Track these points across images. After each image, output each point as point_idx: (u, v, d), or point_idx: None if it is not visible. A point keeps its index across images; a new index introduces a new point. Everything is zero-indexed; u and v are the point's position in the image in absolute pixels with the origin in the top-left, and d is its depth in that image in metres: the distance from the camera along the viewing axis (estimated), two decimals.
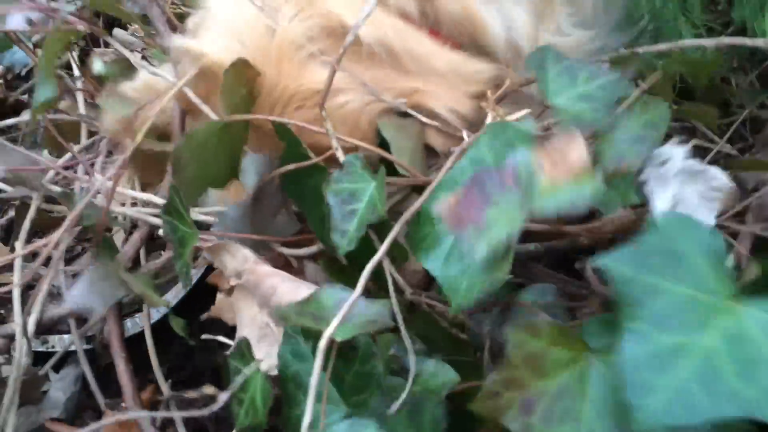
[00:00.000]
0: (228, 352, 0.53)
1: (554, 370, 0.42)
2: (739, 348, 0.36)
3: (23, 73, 1.23)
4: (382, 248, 0.50)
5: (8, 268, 0.93)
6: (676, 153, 0.48)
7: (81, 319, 0.86)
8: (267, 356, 0.52)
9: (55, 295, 0.85)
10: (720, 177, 0.47)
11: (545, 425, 0.41)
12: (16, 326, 0.69)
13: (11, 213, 1.05)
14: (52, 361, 0.84)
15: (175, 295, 0.87)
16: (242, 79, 0.55)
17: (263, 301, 0.57)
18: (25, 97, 1.13)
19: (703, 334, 0.37)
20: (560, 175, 0.42)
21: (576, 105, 0.52)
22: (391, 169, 0.56)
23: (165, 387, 0.72)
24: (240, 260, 0.57)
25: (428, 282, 0.59)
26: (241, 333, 0.57)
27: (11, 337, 0.69)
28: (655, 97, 0.51)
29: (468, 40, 0.62)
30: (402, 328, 0.50)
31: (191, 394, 0.60)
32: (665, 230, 0.40)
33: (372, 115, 0.59)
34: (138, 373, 0.70)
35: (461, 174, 0.50)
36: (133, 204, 0.74)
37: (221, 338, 0.63)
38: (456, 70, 0.60)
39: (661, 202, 0.47)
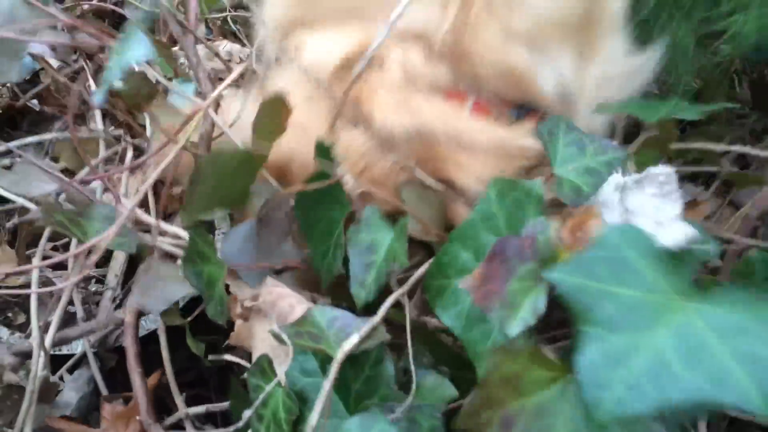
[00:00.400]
0: (246, 374, 0.56)
1: (532, 389, 0.44)
2: (685, 341, 0.40)
3: (29, 77, 1.25)
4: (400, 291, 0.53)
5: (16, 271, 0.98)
6: (609, 177, 0.51)
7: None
8: (281, 373, 0.55)
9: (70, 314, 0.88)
10: (659, 170, 0.49)
11: None
12: (33, 341, 0.72)
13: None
14: (69, 364, 0.88)
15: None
16: (276, 115, 0.56)
17: (281, 320, 0.59)
18: (35, 102, 1.14)
19: (653, 331, 0.41)
20: (580, 246, 0.45)
21: (579, 177, 0.54)
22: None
23: (180, 401, 0.75)
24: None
25: None
26: (256, 354, 0.60)
27: (27, 354, 0.73)
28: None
29: (515, 94, 0.62)
30: (409, 344, 0.53)
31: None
32: (610, 241, 0.44)
33: (397, 181, 0.59)
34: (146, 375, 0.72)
35: (471, 228, 0.52)
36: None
37: (232, 357, 0.66)
38: (501, 145, 0.60)
39: (611, 216, 0.49)
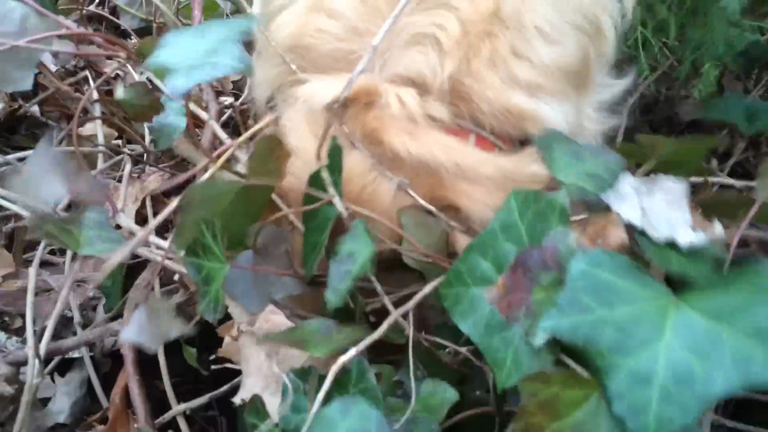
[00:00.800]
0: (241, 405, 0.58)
1: (568, 410, 0.45)
2: (693, 335, 0.43)
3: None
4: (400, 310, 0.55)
5: (13, 275, 0.98)
6: (623, 176, 0.53)
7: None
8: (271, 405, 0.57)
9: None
10: (671, 181, 0.51)
11: None
12: (29, 350, 0.73)
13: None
14: (53, 364, 0.88)
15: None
16: (272, 153, 0.58)
17: (273, 349, 0.61)
18: (35, 108, 1.14)
19: (661, 337, 0.43)
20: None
21: (581, 180, 0.55)
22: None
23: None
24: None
25: None
26: (246, 380, 0.61)
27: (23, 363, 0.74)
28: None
29: (516, 132, 0.64)
30: (411, 359, 0.54)
31: None
32: (583, 271, 0.46)
33: (395, 206, 0.60)
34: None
35: (491, 237, 0.53)
36: None
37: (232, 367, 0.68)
38: (508, 174, 0.61)
39: (630, 212, 0.50)
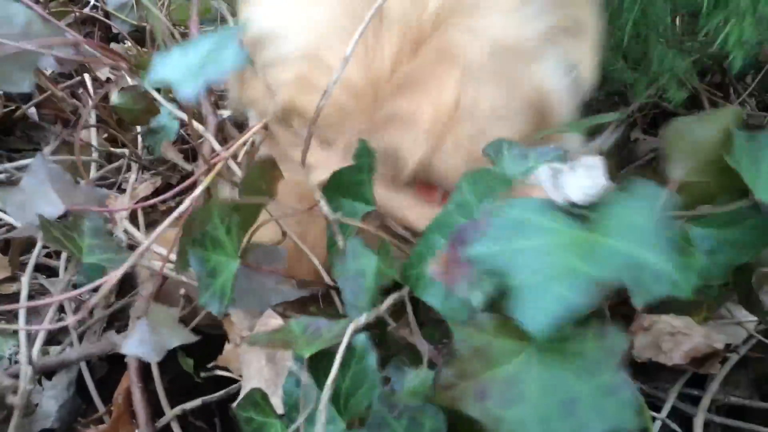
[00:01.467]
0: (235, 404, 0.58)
1: (502, 359, 0.48)
2: (587, 251, 0.48)
3: None
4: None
5: (9, 279, 0.99)
6: (542, 166, 0.55)
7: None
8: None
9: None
10: (593, 159, 0.54)
11: (500, 408, 0.46)
12: (21, 356, 0.74)
13: None
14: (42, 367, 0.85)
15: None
16: (264, 175, 0.62)
17: (272, 352, 0.62)
18: (32, 111, 1.14)
19: (563, 251, 0.48)
20: None
21: (526, 176, 0.61)
22: None
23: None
24: (256, 314, 0.63)
25: None
26: (247, 385, 0.62)
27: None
28: None
29: None
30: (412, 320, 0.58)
31: None
32: (510, 209, 0.51)
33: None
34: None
35: (447, 217, 0.58)
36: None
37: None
38: None
39: (573, 192, 0.53)
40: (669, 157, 0.61)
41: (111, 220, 0.75)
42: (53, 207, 0.69)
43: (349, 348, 0.54)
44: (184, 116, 0.81)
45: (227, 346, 0.73)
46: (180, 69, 0.55)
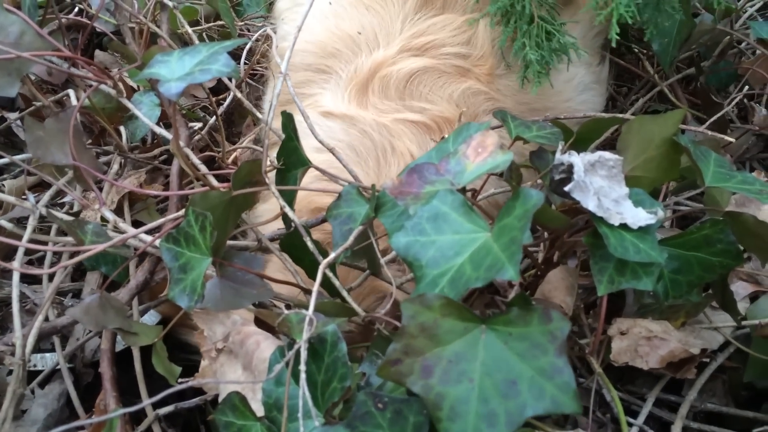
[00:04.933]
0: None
1: (448, 338, 0.52)
2: (483, 252, 0.56)
3: None
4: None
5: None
6: (575, 160, 0.63)
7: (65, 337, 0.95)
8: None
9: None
10: (609, 156, 0.63)
11: (443, 386, 0.51)
12: (16, 363, 0.76)
13: None
14: (39, 378, 0.92)
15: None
16: (252, 173, 0.70)
17: (247, 358, 0.67)
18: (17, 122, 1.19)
19: (460, 256, 0.57)
20: (482, 157, 0.62)
21: (533, 138, 0.75)
22: None
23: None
24: (229, 325, 0.68)
25: None
26: (225, 392, 0.66)
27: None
28: None
29: None
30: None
31: None
32: (431, 205, 0.60)
33: None
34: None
35: (428, 156, 0.72)
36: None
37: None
38: None
39: (591, 204, 0.61)
40: (622, 152, 0.69)
41: (85, 206, 0.80)
42: (64, 156, 0.76)
43: (321, 340, 0.59)
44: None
45: (203, 363, 0.77)
46: (173, 70, 0.65)
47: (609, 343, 0.78)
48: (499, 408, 0.49)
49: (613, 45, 0.94)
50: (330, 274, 0.67)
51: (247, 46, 1.16)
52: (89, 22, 1.06)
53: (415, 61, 0.96)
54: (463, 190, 0.62)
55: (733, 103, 1.21)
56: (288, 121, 0.74)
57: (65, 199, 1.11)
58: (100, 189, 1.01)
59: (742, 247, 0.70)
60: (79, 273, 1.06)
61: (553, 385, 0.49)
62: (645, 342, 0.78)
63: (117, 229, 0.84)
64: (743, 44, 1.29)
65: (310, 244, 0.70)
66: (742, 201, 0.97)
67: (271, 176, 0.74)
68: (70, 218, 0.88)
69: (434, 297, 0.54)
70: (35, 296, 1.01)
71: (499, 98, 0.99)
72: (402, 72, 0.95)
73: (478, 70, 0.98)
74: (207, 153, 1.07)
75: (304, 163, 0.76)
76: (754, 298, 0.88)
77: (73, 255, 0.75)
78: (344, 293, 0.67)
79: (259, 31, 1.09)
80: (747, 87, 1.27)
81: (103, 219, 0.83)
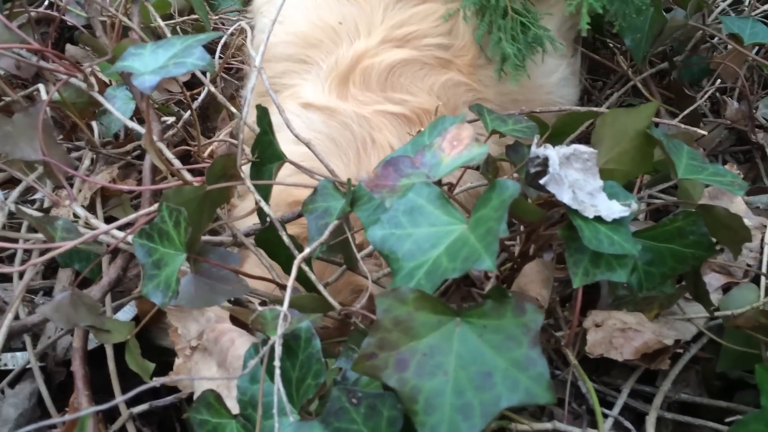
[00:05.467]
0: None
1: (422, 332, 0.53)
2: (459, 244, 0.56)
3: None
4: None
5: None
6: (551, 153, 0.63)
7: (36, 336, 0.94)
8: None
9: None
10: (584, 149, 0.64)
11: (418, 379, 0.51)
12: None
13: None
14: (9, 378, 0.91)
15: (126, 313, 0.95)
16: (226, 168, 0.70)
17: (222, 356, 0.67)
18: None
19: (436, 249, 0.57)
20: (458, 150, 0.63)
21: (511, 132, 0.76)
22: None
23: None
24: (203, 322, 0.68)
25: None
26: (199, 390, 0.65)
27: None
28: None
29: None
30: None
31: None
32: (407, 198, 0.60)
33: None
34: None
35: (403, 150, 0.72)
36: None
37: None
38: None
39: (565, 197, 0.62)
40: (596, 145, 0.70)
41: (56, 203, 0.79)
42: (33, 151, 0.75)
43: (295, 336, 0.59)
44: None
45: (177, 361, 0.77)
46: (147, 63, 0.65)
47: (584, 335, 0.79)
48: (474, 400, 0.49)
49: (584, 35, 0.94)
50: (306, 269, 0.66)
51: (222, 40, 1.15)
52: (59, 15, 1.04)
53: (396, 53, 0.96)
54: (439, 183, 0.62)
55: (706, 96, 1.24)
56: (263, 114, 0.74)
57: (36, 196, 1.10)
58: (72, 185, 1.00)
59: (714, 239, 0.71)
60: (50, 270, 1.04)
61: (527, 377, 0.49)
62: (619, 334, 0.79)
63: (89, 226, 0.83)
64: (715, 39, 1.31)
65: (285, 238, 0.69)
66: (715, 194, 1.00)
67: (247, 170, 0.74)
68: (41, 215, 0.87)
69: (408, 290, 0.54)
70: (5, 294, 1.00)
71: (481, 89, 0.99)
72: (383, 64, 0.95)
73: (460, 61, 0.98)
74: (182, 147, 1.06)
75: (280, 157, 0.76)
76: (726, 289, 0.90)
77: (43, 252, 0.74)
78: (320, 287, 0.66)
79: (234, 25, 1.08)
80: (719, 81, 1.29)
81: (75, 215, 0.82)
